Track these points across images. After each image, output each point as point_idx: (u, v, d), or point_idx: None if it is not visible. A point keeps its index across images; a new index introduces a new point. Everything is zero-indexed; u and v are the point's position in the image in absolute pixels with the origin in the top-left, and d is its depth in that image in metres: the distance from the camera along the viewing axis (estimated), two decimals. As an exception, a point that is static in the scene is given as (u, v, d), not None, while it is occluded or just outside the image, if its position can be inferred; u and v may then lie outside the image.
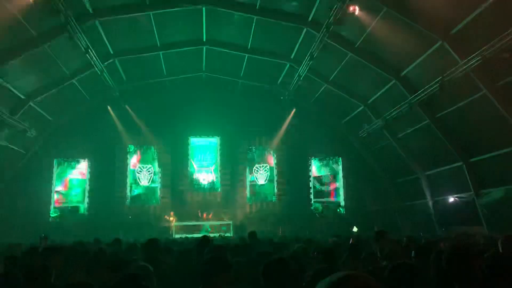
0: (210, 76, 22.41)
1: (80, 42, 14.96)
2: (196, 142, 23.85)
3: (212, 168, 23.61)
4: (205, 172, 23.49)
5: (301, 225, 20.48)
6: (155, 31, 17.22)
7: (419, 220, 19.62)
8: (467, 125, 15.30)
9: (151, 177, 23.08)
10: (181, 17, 17.09)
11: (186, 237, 15.29)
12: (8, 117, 16.41)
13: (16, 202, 19.92)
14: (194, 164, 23.44)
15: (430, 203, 18.91)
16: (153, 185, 23.01)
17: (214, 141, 23.96)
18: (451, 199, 17.62)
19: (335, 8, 13.35)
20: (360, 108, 20.11)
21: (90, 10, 14.95)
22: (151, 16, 16.15)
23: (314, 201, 23.57)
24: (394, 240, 6.75)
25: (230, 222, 21.27)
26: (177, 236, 18.90)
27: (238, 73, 21.55)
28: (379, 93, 18.17)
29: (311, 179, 23.91)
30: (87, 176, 22.37)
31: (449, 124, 15.89)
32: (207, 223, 21.03)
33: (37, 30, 14.57)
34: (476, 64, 12.08)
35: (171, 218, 20.98)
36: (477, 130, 14.99)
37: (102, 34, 16.52)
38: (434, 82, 14.22)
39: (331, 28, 14.44)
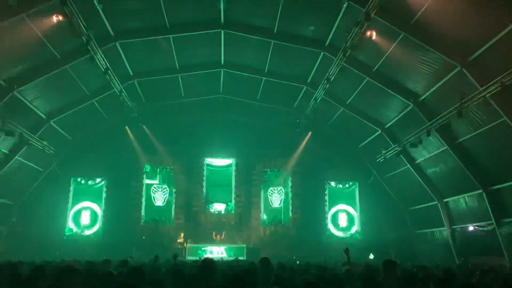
0: (227, 98, 22.54)
1: (100, 63, 15.19)
2: (212, 163, 23.84)
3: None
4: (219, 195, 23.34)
5: (315, 251, 20.12)
6: (175, 54, 17.52)
7: (437, 249, 19.12)
8: (487, 152, 14.96)
9: (166, 197, 23.12)
10: (200, 41, 17.33)
11: (196, 260, 15.02)
12: (28, 136, 16.74)
13: (32, 219, 20.14)
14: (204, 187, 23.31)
15: (449, 232, 18.39)
16: (167, 205, 23.01)
17: (230, 163, 23.93)
18: (471, 228, 17.14)
19: (353, 33, 13.35)
20: (377, 133, 19.90)
21: (112, 32, 15.33)
22: (171, 39, 16.45)
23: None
24: (406, 271, 6.53)
25: (244, 245, 21.00)
26: (190, 257, 18.70)
27: (255, 95, 21.65)
28: (396, 118, 17.99)
29: (327, 203, 23.56)
30: (103, 195, 22.49)
31: (469, 151, 15.56)
32: (220, 246, 20.79)
33: (60, 51, 14.99)
34: (495, 90, 11.89)
35: (183, 240, 20.81)
36: (498, 157, 14.65)
37: (122, 55, 16.89)
38: (452, 108, 14.03)
39: (348, 53, 14.42)
